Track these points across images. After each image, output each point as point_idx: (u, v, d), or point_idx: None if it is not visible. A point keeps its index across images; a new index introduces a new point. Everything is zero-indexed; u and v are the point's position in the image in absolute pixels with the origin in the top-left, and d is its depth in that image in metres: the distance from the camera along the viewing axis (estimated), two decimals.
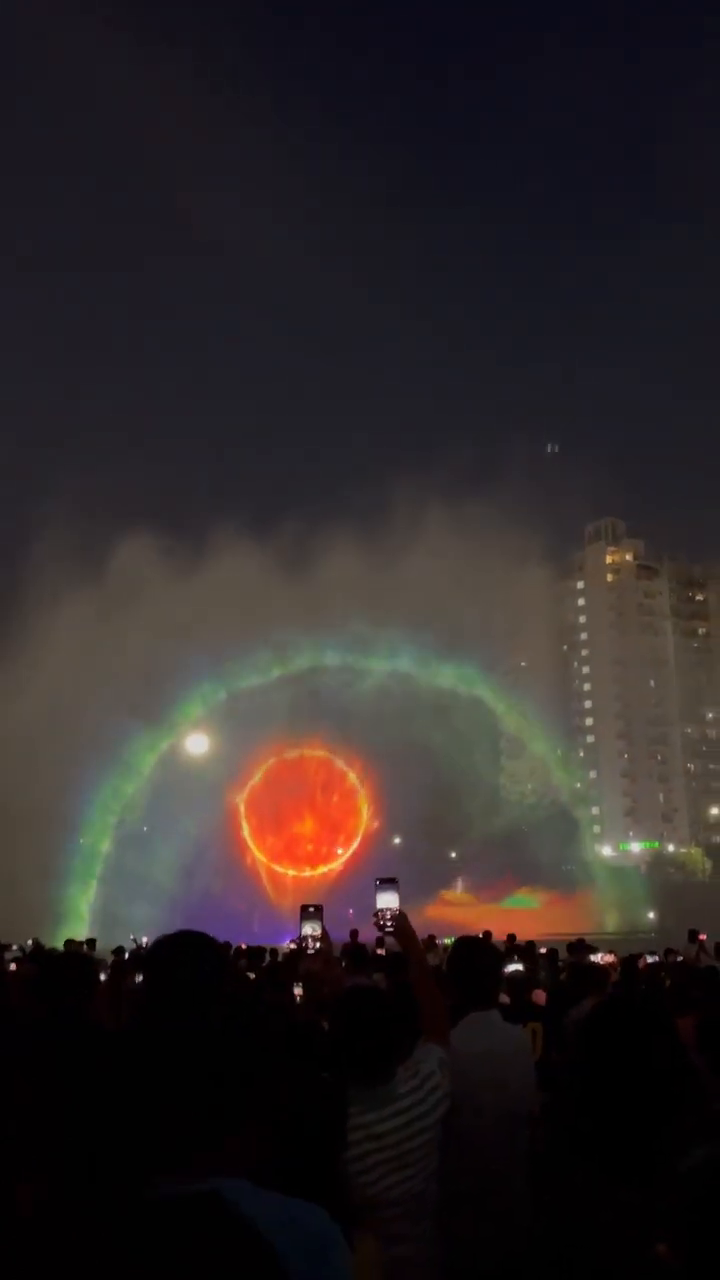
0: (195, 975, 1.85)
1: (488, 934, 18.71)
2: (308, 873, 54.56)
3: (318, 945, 4.09)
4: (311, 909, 4.19)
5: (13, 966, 11.09)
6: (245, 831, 53.74)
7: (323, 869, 54.91)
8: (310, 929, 4.11)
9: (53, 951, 12.83)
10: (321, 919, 4.17)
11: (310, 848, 55.10)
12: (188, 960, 1.90)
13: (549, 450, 63.91)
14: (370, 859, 54.28)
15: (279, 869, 53.80)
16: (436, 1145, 3.07)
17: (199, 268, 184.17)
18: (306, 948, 4.09)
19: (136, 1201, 1.54)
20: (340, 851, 56.56)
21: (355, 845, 56.11)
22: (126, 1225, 1.51)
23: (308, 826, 55.66)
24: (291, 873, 53.66)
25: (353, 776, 56.43)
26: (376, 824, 56.89)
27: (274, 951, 17.14)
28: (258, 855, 54.00)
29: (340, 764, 55.84)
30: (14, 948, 14.39)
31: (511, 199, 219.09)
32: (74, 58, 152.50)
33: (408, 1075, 3.07)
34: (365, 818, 56.43)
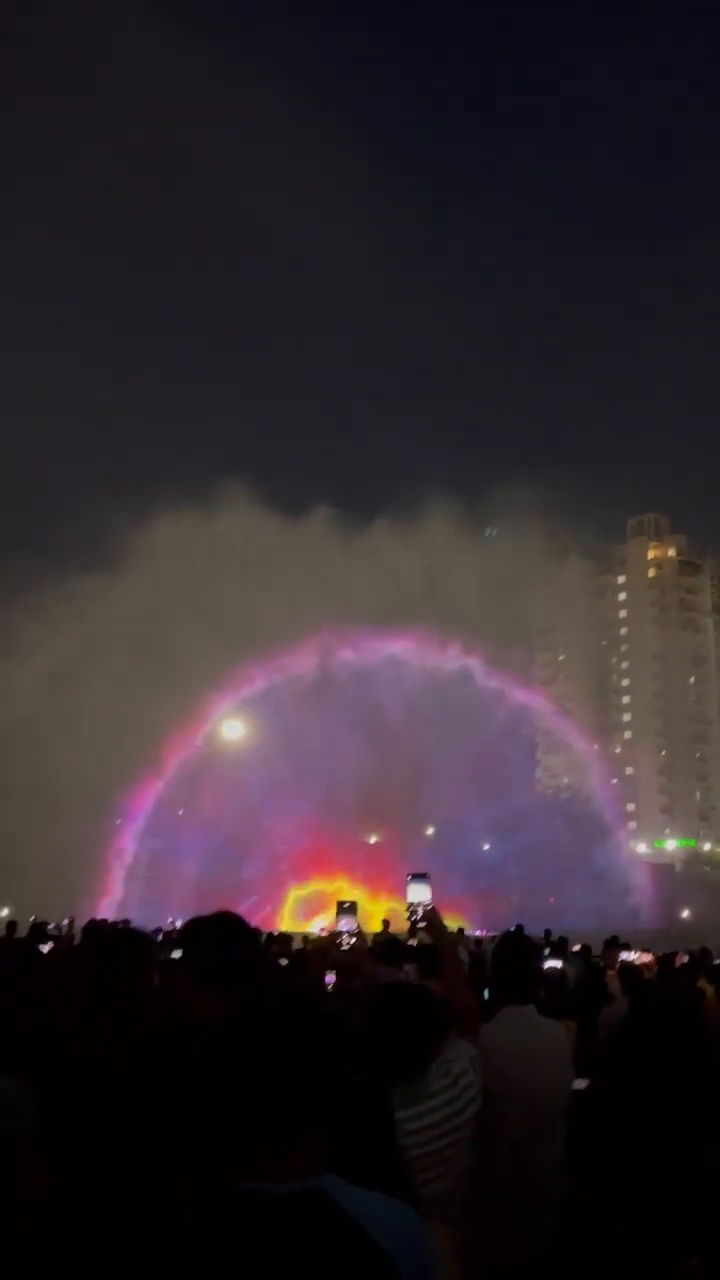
0: (227, 955, 1.86)
1: (520, 928, 18.63)
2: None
3: (353, 941, 4.08)
4: (347, 904, 4.21)
5: (48, 946, 11.20)
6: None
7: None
8: (346, 924, 4.11)
9: (110, 926, 12.92)
10: (356, 914, 4.17)
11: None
12: (220, 940, 1.90)
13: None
14: (404, 849, 54.35)
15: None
16: (468, 1144, 3.00)
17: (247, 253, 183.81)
18: (341, 944, 4.08)
19: (242, 1197, 1.58)
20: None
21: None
22: (241, 1220, 1.55)
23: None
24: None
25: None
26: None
27: (305, 937, 17.19)
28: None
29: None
30: (51, 926, 14.54)
31: (555, 193, 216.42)
32: (118, 46, 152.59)
33: (440, 1073, 3.01)
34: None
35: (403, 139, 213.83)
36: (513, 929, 18.69)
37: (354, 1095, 2.52)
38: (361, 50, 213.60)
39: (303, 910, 49.31)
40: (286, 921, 44.09)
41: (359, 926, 4.12)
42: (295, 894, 52.18)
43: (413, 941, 12.45)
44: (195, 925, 2.79)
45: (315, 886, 51.79)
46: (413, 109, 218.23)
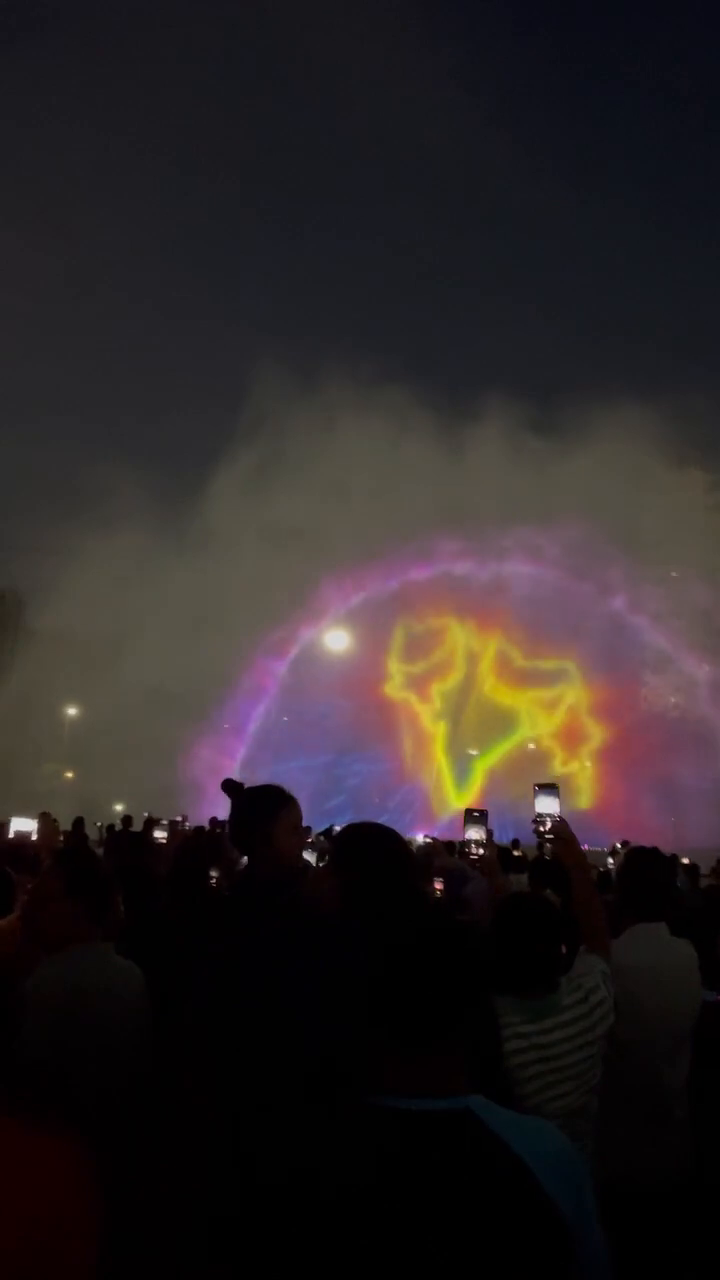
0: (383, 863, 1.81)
1: (625, 843, 18.44)
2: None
3: (481, 851, 3.99)
4: (476, 813, 4.12)
5: (160, 835, 11.58)
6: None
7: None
8: (475, 833, 4.02)
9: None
10: (487, 823, 4.06)
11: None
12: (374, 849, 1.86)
13: None
14: (505, 762, 54.55)
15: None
16: (599, 1059, 2.90)
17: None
18: (469, 852, 4.01)
19: (385, 1113, 1.53)
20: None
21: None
22: (389, 1136, 1.50)
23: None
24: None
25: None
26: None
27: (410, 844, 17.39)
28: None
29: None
30: (164, 821, 15.07)
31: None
32: None
33: (571, 987, 2.91)
34: None
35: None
36: (619, 844, 18.56)
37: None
38: None
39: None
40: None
41: (489, 834, 4.03)
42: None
43: (517, 853, 12.45)
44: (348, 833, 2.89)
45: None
46: None
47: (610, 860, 14.82)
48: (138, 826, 15.25)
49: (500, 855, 9.17)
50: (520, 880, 9.53)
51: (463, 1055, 1.63)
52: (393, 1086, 1.54)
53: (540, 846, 3.58)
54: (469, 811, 4.15)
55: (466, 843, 4.06)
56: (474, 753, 57.57)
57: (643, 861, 3.76)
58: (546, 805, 3.49)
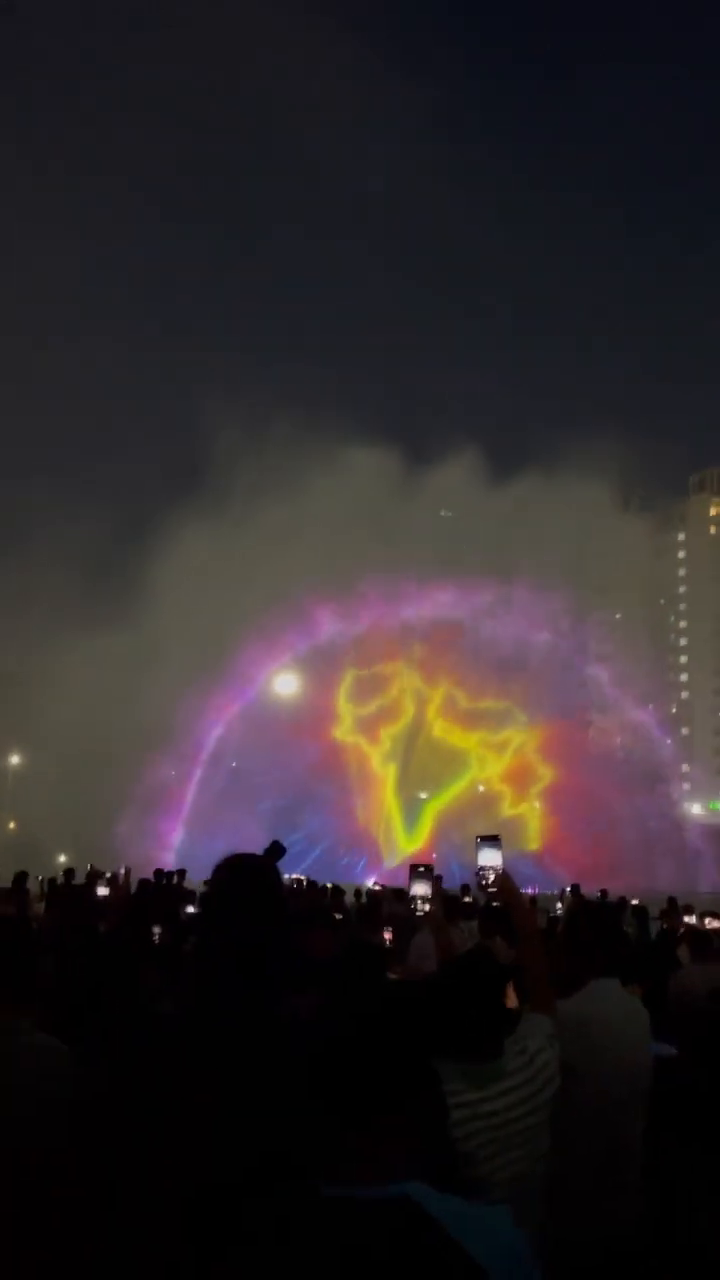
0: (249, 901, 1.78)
1: (575, 887, 18.44)
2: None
3: (427, 907, 3.89)
4: (421, 869, 4.03)
5: (104, 892, 11.28)
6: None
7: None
8: (420, 888, 3.92)
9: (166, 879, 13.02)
10: (432, 879, 3.97)
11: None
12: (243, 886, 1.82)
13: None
14: (455, 805, 54.49)
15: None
16: (545, 1126, 2.80)
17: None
18: (415, 909, 3.91)
19: (327, 1205, 1.46)
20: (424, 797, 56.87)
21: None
22: (327, 1233, 1.42)
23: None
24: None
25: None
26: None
27: (358, 892, 17.21)
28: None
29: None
30: (107, 875, 14.69)
31: (621, 137, 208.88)
32: None
33: (516, 1051, 2.81)
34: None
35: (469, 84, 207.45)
36: (569, 889, 18.54)
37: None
38: None
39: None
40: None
41: (435, 890, 3.95)
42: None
43: (467, 900, 12.35)
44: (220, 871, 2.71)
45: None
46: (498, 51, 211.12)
47: (559, 905, 14.79)
48: (81, 878, 14.87)
49: (449, 903, 9.08)
50: (471, 927, 9.44)
51: (404, 1135, 1.54)
52: (327, 1173, 1.45)
53: (465, 889, 3.52)
54: (414, 867, 4.08)
55: (413, 899, 3.97)
56: (424, 795, 57.48)
57: (593, 915, 3.70)
58: (489, 858, 3.43)
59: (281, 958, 2.34)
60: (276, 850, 2.86)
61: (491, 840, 3.53)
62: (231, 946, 2.24)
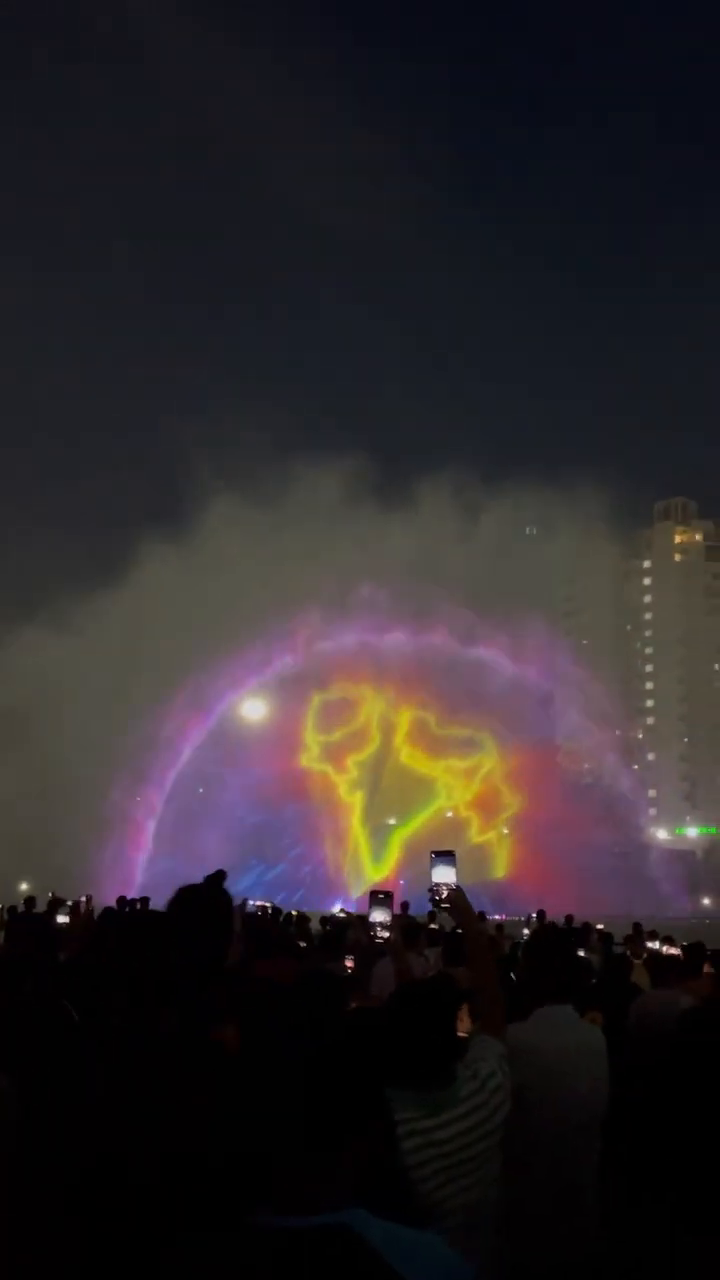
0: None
1: (541, 913, 18.44)
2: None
3: (386, 935, 3.88)
4: (381, 895, 4.00)
5: (64, 920, 11.10)
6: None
7: None
8: (380, 915, 3.91)
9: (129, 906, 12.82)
10: (392, 905, 3.96)
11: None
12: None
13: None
14: (423, 832, 54.30)
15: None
16: (497, 1151, 2.80)
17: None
18: (376, 935, 3.89)
19: (262, 1234, 1.45)
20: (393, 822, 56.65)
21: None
22: (260, 1257, 1.42)
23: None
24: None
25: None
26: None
27: (323, 919, 17.07)
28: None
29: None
30: (68, 903, 14.48)
31: (584, 170, 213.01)
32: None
33: (468, 1076, 2.80)
34: None
35: (426, 122, 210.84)
36: (534, 914, 18.54)
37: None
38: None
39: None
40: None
41: (394, 918, 3.95)
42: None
43: (434, 926, 12.32)
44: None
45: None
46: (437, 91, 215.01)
47: (525, 931, 14.79)
48: (43, 905, 14.62)
49: (413, 930, 9.05)
50: (435, 953, 9.40)
51: (349, 1163, 1.55)
52: (268, 1201, 1.45)
53: (432, 915, 3.53)
54: (374, 893, 4.07)
55: (372, 925, 3.96)
56: (392, 822, 57.29)
57: (549, 940, 3.71)
58: (443, 875, 3.42)
59: (202, 980, 2.37)
60: (218, 878, 2.90)
61: (445, 856, 3.50)
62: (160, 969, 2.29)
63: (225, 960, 2.82)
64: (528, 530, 67.15)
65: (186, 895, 2.79)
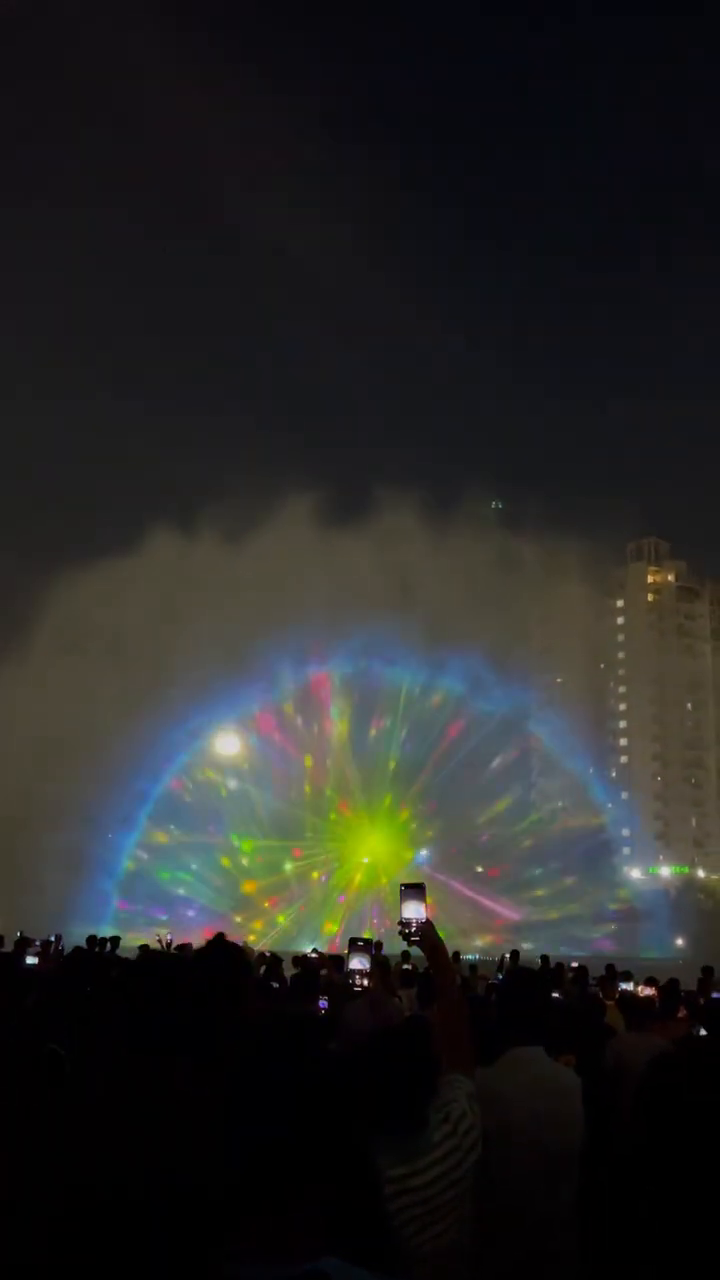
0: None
1: (515, 954, 18.34)
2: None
3: (364, 983, 3.79)
4: (361, 942, 3.92)
5: (33, 960, 10.92)
6: None
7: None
8: (358, 962, 3.83)
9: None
10: (371, 953, 3.88)
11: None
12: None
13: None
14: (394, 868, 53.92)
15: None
16: (471, 1194, 2.78)
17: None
18: (353, 983, 3.80)
19: None
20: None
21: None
22: None
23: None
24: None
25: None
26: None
27: (295, 959, 16.86)
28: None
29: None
30: (36, 943, 14.24)
31: (561, 210, 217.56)
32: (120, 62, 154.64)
33: (440, 1119, 2.78)
34: None
35: (407, 153, 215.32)
36: (509, 954, 18.43)
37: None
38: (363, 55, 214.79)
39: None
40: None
41: (374, 966, 3.89)
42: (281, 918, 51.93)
43: (407, 967, 12.21)
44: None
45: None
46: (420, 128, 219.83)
47: (499, 974, 14.67)
48: (10, 945, 14.37)
49: (382, 969, 8.97)
50: (410, 995, 9.33)
51: (327, 1212, 1.53)
52: (240, 1250, 1.42)
53: (405, 955, 3.49)
54: (354, 940, 3.97)
55: (351, 973, 3.87)
56: (365, 860, 56.87)
57: (520, 982, 3.70)
58: (412, 910, 3.39)
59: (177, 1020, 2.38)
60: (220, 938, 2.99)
61: (414, 889, 3.45)
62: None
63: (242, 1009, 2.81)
64: (493, 503, 67.31)
65: (209, 948, 2.84)
